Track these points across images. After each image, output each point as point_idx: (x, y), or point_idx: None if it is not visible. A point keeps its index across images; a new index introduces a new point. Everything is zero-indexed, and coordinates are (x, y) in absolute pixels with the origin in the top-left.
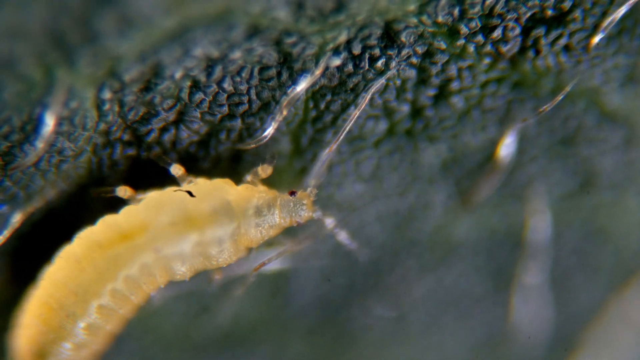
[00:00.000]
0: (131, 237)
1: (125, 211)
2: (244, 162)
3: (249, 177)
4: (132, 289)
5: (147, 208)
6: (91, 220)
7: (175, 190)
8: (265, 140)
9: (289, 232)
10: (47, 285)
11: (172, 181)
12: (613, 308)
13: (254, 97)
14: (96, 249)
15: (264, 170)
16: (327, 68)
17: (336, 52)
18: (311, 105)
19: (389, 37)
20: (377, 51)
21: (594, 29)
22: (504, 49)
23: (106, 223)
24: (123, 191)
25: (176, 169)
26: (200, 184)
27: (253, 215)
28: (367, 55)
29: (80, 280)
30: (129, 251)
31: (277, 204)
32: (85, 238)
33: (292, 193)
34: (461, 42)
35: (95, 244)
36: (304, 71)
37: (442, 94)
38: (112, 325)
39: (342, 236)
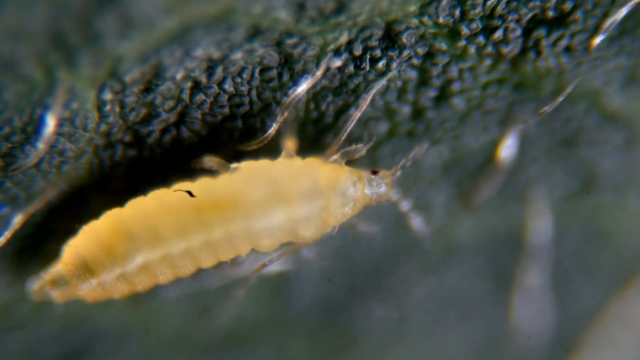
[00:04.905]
0: (223, 208)
1: (221, 179)
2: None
3: (336, 156)
4: (206, 255)
5: (240, 181)
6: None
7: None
8: (266, 141)
9: None
10: (133, 212)
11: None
12: (613, 309)
13: (255, 98)
14: (187, 205)
15: (357, 151)
16: (328, 69)
17: (337, 53)
18: (312, 106)
19: (390, 38)
20: (378, 52)
21: (595, 30)
22: (505, 50)
23: (202, 185)
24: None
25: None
26: (294, 161)
27: (340, 194)
28: (368, 56)
29: (162, 224)
30: (217, 219)
31: (362, 182)
32: (181, 191)
33: (375, 173)
34: (462, 43)
35: (188, 202)
36: (305, 72)
37: (443, 95)
38: (165, 277)
39: (417, 220)
